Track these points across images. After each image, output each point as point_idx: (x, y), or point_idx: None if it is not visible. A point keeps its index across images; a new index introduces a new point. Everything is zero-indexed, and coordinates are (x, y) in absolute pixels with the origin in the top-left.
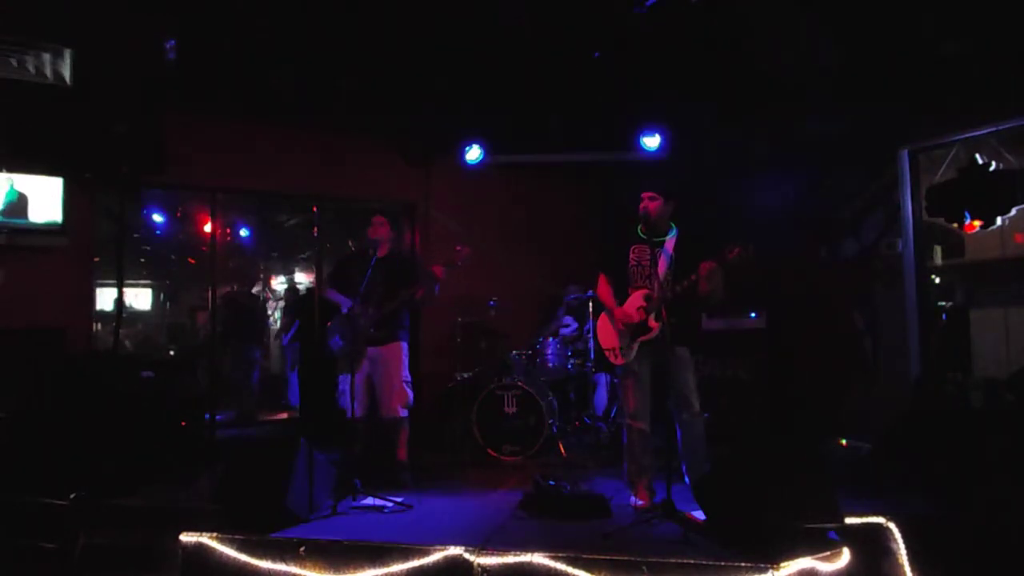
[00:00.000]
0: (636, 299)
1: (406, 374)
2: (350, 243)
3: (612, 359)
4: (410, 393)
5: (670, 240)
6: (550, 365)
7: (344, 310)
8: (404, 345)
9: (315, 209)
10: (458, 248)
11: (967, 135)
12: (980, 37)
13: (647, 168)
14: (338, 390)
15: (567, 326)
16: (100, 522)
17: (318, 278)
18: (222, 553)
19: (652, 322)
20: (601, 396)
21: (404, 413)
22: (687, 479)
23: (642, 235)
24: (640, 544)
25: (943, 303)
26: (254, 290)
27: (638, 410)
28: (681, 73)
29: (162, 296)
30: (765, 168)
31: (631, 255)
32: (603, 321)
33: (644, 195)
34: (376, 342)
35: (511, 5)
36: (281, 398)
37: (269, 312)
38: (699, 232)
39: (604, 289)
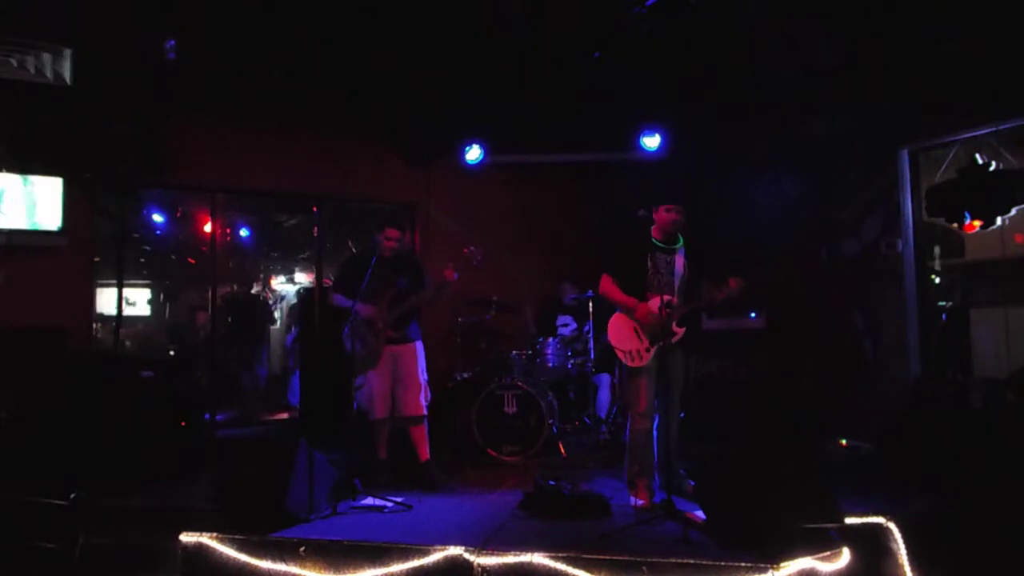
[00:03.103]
0: (656, 303)
1: (425, 374)
2: (350, 243)
3: (629, 361)
4: (429, 392)
5: (681, 249)
6: (550, 365)
7: (359, 314)
8: (420, 344)
9: (315, 209)
10: (466, 251)
11: (967, 135)
12: (980, 37)
13: (647, 168)
14: (354, 392)
15: (566, 326)
16: (100, 522)
17: (318, 278)
18: (222, 553)
19: (677, 327)
20: (603, 398)
21: (426, 410)
22: (657, 477)
23: (659, 243)
24: (640, 544)
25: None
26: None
27: (648, 409)
28: (681, 73)
29: (162, 296)
30: (765, 168)
31: (649, 263)
32: (618, 322)
33: (665, 207)
34: (394, 342)
35: (511, 5)
36: (281, 398)
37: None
38: (710, 236)
39: (612, 288)
